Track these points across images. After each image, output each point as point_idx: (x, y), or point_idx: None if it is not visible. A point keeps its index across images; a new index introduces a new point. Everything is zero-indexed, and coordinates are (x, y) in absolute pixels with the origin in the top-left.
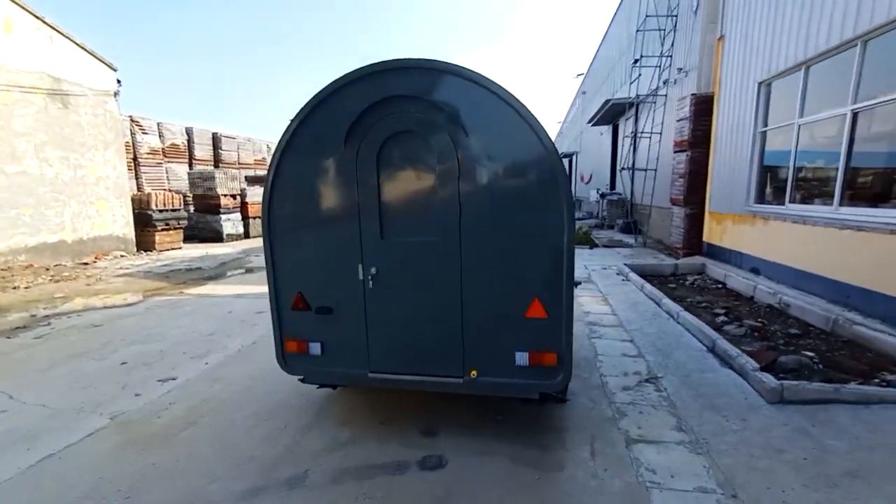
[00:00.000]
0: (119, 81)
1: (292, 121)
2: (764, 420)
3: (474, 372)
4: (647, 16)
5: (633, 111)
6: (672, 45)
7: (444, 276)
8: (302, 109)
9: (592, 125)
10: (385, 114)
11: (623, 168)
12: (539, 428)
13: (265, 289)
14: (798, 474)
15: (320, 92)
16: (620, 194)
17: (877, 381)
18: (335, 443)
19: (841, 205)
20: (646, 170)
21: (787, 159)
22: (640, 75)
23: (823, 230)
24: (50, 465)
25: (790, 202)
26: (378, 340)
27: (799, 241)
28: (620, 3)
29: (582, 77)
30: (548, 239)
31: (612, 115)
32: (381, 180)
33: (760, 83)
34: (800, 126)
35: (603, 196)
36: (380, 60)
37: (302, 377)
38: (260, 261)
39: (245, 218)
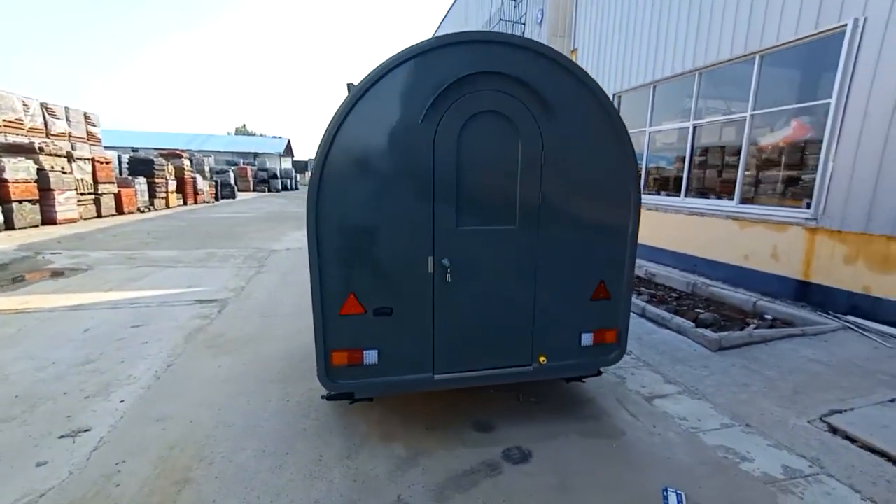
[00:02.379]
0: None
1: (360, 84)
2: (718, 364)
3: (543, 358)
4: (500, 19)
5: None
6: None
7: (519, 264)
8: (375, 72)
9: None
10: (473, 89)
11: None
12: (573, 401)
13: (116, 296)
14: (768, 399)
15: (402, 53)
16: None
17: (752, 325)
18: (400, 461)
19: (687, 196)
20: None
21: (641, 159)
22: None
23: (674, 215)
24: None
25: (646, 193)
26: (445, 338)
27: (654, 224)
28: (454, 3)
29: None
30: (618, 225)
31: None
32: (461, 163)
33: (614, 94)
34: (650, 133)
35: None
36: (482, 31)
37: (349, 394)
38: (69, 261)
39: (4, 202)
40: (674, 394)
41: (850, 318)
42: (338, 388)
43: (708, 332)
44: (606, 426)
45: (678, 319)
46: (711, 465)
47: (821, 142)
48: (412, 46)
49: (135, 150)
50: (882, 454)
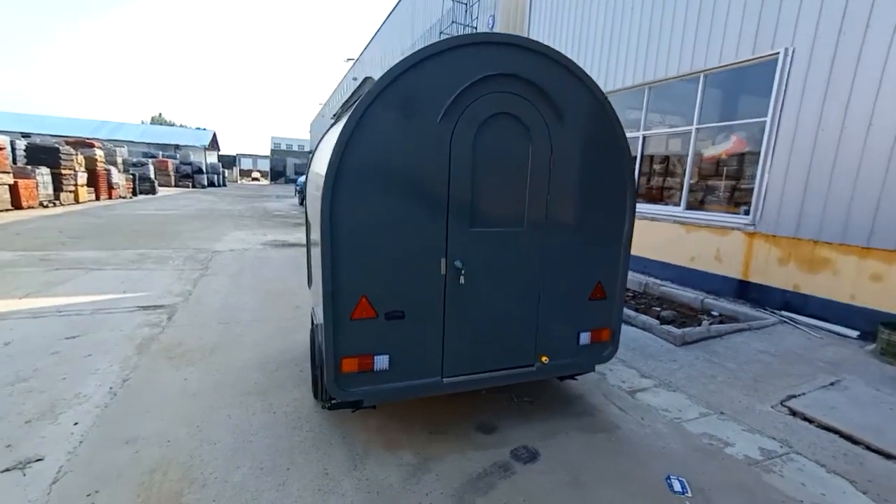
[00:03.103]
0: None
1: (380, 81)
2: (684, 358)
3: (545, 358)
4: (452, 22)
5: None
6: None
7: (526, 266)
8: (395, 69)
9: None
10: (489, 91)
11: None
12: (563, 399)
13: (35, 303)
14: (733, 389)
15: (423, 51)
16: None
17: (707, 321)
18: (411, 468)
19: (638, 201)
20: None
21: None
22: None
23: None
24: None
25: None
26: (455, 341)
27: None
28: (399, 2)
29: (352, 62)
30: (615, 227)
31: None
32: (475, 164)
33: None
34: None
35: None
36: (502, 33)
37: (354, 402)
38: None
39: None
40: (651, 387)
41: (783, 312)
42: (347, 396)
43: (673, 329)
44: (601, 422)
45: (643, 317)
46: (701, 451)
47: (758, 155)
48: (433, 45)
49: (26, 135)
50: (835, 431)
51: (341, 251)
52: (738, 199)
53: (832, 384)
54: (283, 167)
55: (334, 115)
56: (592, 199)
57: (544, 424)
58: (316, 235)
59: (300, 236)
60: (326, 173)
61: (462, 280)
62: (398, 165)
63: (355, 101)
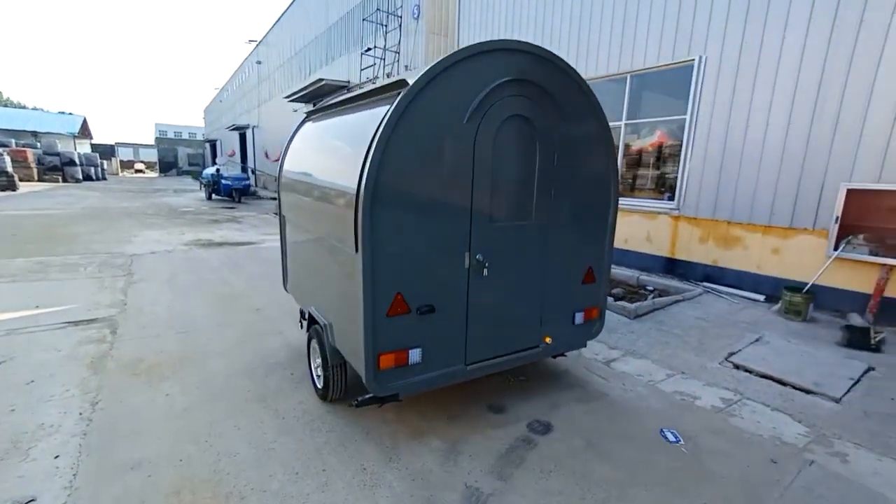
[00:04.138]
0: None
1: (416, 83)
2: (640, 329)
3: (549, 338)
4: (377, 9)
5: (345, 94)
6: (399, 42)
7: (533, 256)
8: (430, 71)
9: (290, 101)
10: (506, 94)
11: None
12: (553, 375)
13: None
14: (686, 351)
15: (454, 55)
16: None
17: (651, 295)
18: (444, 453)
19: None
20: None
21: None
22: (373, 63)
23: None
24: None
25: None
26: (476, 329)
27: None
28: None
29: (255, 44)
30: (603, 218)
31: (318, 94)
32: (494, 162)
33: None
34: None
35: None
36: (518, 40)
37: (379, 398)
38: None
39: None
40: (621, 357)
41: (705, 284)
42: (385, 391)
43: (627, 304)
44: (591, 391)
45: None
46: (677, 406)
47: (680, 148)
48: (463, 49)
49: None
50: (769, 378)
51: (378, 252)
52: (664, 187)
53: (757, 340)
54: (175, 157)
55: (315, 109)
56: (586, 192)
57: (545, 399)
58: (328, 238)
59: (225, 234)
60: (366, 176)
61: (486, 273)
62: (431, 163)
63: (371, 100)
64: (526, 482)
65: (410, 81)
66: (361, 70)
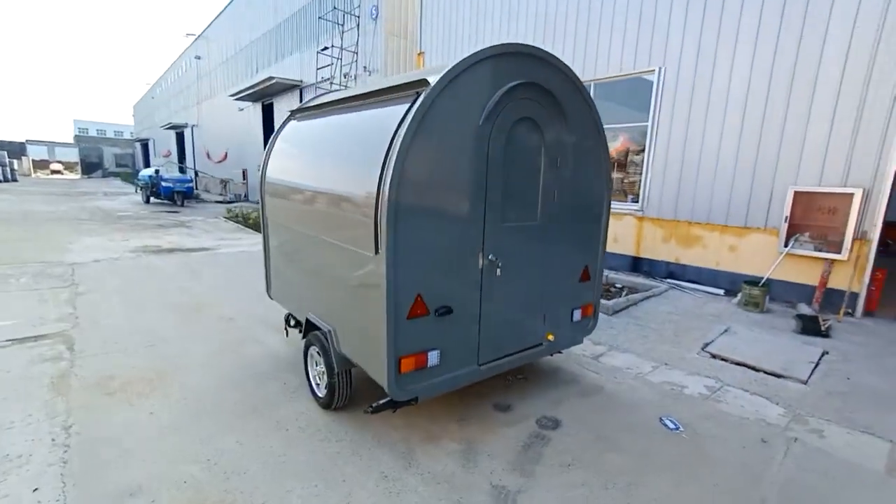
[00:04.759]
0: None
1: (439, 82)
2: (619, 324)
3: (551, 336)
4: (334, 8)
5: (297, 94)
6: (357, 42)
7: (538, 256)
8: (451, 71)
9: (236, 99)
10: (517, 97)
11: None
12: (548, 372)
13: None
14: (665, 344)
15: (473, 56)
16: None
17: (624, 292)
18: (462, 454)
19: None
20: None
21: None
22: (331, 63)
23: None
24: None
25: None
26: (488, 329)
27: None
28: None
29: (194, 38)
30: (598, 218)
31: (268, 93)
32: (505, 163)
33: None
34: None
35: None
36: (530, 45)
37: (394, 403)
38: None
39: None
40: (607, 352)
41: (669, 280)
42: (406, 395)
43: (605, 301)
44: (588, 386)
45: None
46: (668, 396)
47: (643, 153)
48: (481, 51)
49: None
50: (743, 365)
51: (399, 253)
52: (629, 190)
53: (726, 331)
54: (99, 158)
55: (302, 108)
56: (584, 193)
57: (546, 396)
58: (336, 240)
59: (175, 240)
60: (391, 175)
61: (498, 272)
62: (451, 164)
63: (381, 98)
64: (548, 477)
65: (432, 80)
66: (318, 69)
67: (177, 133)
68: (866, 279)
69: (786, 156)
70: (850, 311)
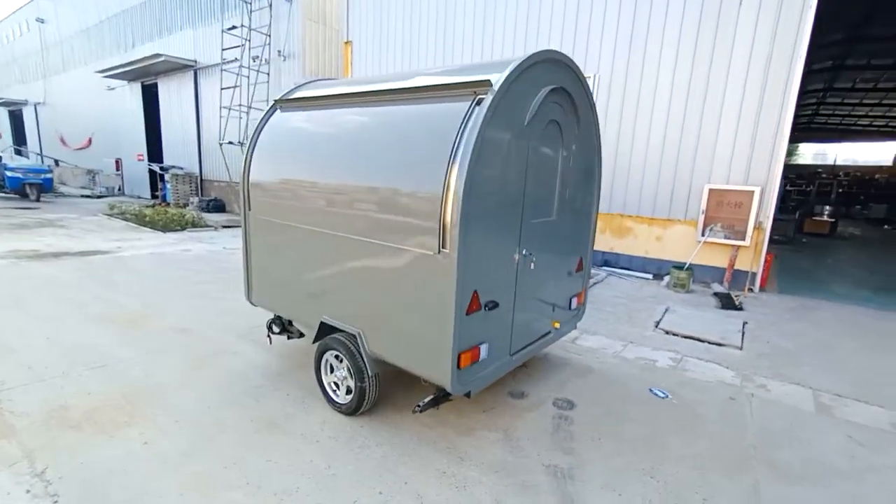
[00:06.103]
0: None
1: (500, 84)
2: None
3: (557, 324)
4: None
5: (190, 74)
6: (269, 24)
7: (553, 249)
8: (517, 69)
9: (106, 76)
10: (549, 100)
11: (228, 142)
12: (541, 357)
13: None
14: (624, 325)
15: (530, 57)
16: (184, 168)
17: None
18: (501, 441)
19: None
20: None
21: None
22: (242, 44)
23: None
24: None
25: None
26: (519, 320)
27: None
28: None
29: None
30: (589, 213)
31: (151, 71)
32: (539, 163)
33: None
34: None
35: (165, 171)
36: (560, 51)
37: (437, 400)
38: None
39: None
40: (580, 335)
41: (605, 268)
42: (464, 390)
43: None
44: (580, 367)
45: None
46: (646, 369)
47: None
48: (532, 55)
49: None
50: (691, 338)
51: (462, 251)
52: None
53: (667, 310)
54: None
55: (290, 99)
56: (582, 189)
57: (549, 379)
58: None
59: (52, 242)
60: (466, 175)
61: (532, 266)
62: (503, 164)
63: (429, 95)
64: (588, 451)
65: (495, 81)
66: (223, 50)
67: (10, 112)
68: (762, 261)
69: (701, 157)
70: (751, 287)
